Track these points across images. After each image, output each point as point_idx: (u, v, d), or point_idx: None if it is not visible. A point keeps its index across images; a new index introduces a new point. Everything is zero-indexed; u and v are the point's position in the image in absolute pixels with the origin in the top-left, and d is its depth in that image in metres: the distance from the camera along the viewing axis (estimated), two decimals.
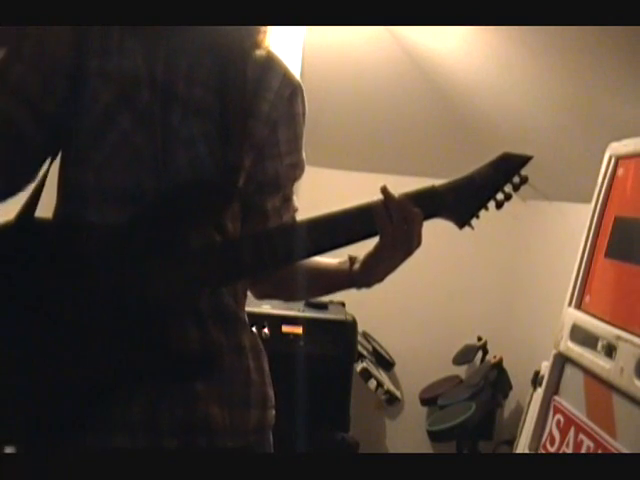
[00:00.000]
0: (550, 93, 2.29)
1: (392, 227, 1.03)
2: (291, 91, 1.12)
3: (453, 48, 2.52)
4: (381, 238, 1.05)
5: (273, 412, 1.16)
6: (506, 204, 1.10)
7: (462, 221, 1.08)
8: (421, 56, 2.84)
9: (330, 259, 1.15)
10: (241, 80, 1.08)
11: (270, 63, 1.12)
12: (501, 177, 1.08)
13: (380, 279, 1.09)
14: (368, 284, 1.11)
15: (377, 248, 1.06)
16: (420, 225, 1.04)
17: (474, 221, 1.09)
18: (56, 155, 1.11)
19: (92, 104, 1.04)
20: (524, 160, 1.08)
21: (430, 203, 1.06)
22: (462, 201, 1.07)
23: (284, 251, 1.03)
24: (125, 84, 1.04)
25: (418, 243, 1.05)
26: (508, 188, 1.08)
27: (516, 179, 1.08)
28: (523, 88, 2.44)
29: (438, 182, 1.08)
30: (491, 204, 1.09)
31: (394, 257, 1.06)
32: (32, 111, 1.06)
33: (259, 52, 1.11)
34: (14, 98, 1.05)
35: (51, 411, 1.00)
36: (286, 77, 1.13)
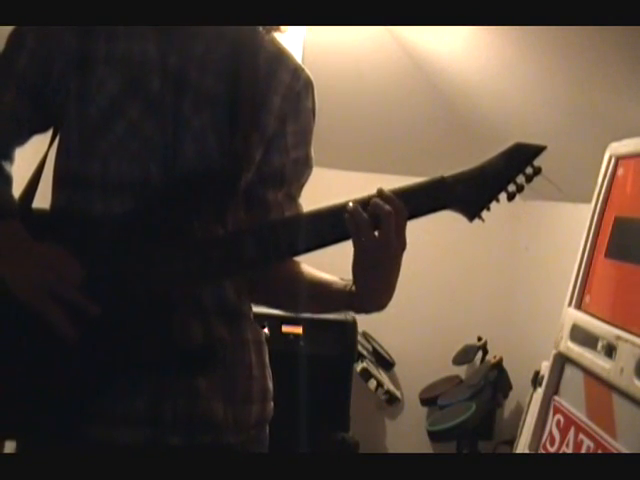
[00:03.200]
0: (550, 93, 2.29)
1: (360, 233, 0.97)
2: (302, 86, 1.12)
3: (454, 48, 2.52)
4: (353, 246, 0.99)
5: (272, 404, 1.16)
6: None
7: (472, 213, 1.03)
8: (421, 56, 2.84)
9: (334, 277, 1.10)
10: (253, 71, 1.07)
11: (281, 56, 1.11)
12: (513, 168, 1.02)
13: (375, 301, 1.02)
14: (363, 306, 1.04)
15: (353, 259, 1.00)
16: (395, 225, 0.97)
17: (485, 213, 1.03)
18: (46, 129, 1.11)
19: (98, 91, 1.03)
20: (538, 150, 1.02)
21: (438, 195, 1.01)
22: (472, 192, 1.02)
23: (287, 244, 1.01)
24: (135, 71, 1.03)
25: (401, 246, 0.98)
26: (520, 179, 1.03)
27: (529, 170, 1.02)
28: (523, 88, 2.44)
29: None
30: (502, 196, 1.03)
31: (375, 266, 0.98)
32: (34, 102, 1.07)
33: (271, 45, 1.11)
34: (18, 91, 1.06)
35: (54, 404, 1.00)
36: (297, 72, 1.12)
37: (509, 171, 1.03)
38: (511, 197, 1.03)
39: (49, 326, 0.97)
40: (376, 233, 0.98)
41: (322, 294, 1.09)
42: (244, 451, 1.10)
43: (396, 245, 0.98)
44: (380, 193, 0.98)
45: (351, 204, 0.98)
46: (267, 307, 1.20)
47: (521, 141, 1.03)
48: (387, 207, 0.97)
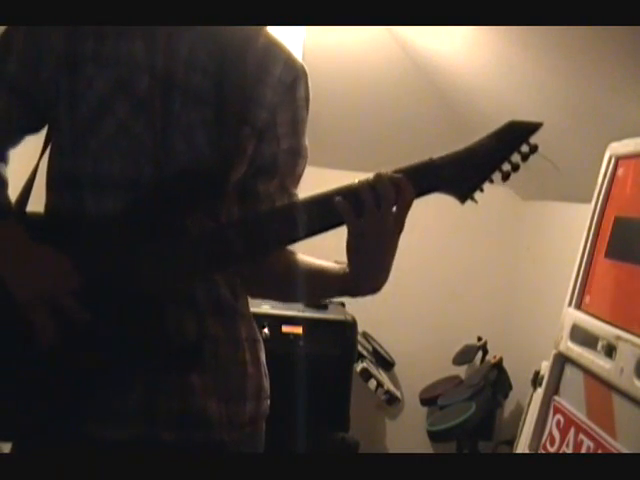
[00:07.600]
0: (550, 93, 2.29)
1: (354, 214, 0.96)
2: (293, 78, 1.11)
3: (454, 48, 2.52)
4: (347, 230, 0.98)
5: (268, 402, 1.16)
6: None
7: (463, 194, 1.00)
8: (421, 56, 2.84)
9: (329, 263, 1.10)
10: (241, 66, 1.07)
11: (272, 49, 1.10)
12: (507, 146, 0.99)
13: (370, 284, 1.02)
14: (358, 289, 1.03)
15: (347, 243, 0.99)
16: (392, 206, 0.96)
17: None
18: (38, 130, 1.12)
19: (87, 91, 1.03)
20: (533, 127, 0.99)
21: (428, 177, 0.99)
22: (463, 173, 0.99)
23: (273, 235, 1.00)
24: (122, 70, 1.03)
25: (398, 228, 0.97)
26: (516, 158, 0.99)
27: (525, 148, 0.99)
28: (523, 88, 2.44)
29: None
30: (497, 177, 1.00)
31: (368, 248, 0.97)
32: (25, 104, 1.07)
33: (261, 38, 1.10)
34: (8, 93, 1.07)
35: (47, 402, 1.00)
36: (288, 63, 1.11)
37: (502, 150, 0.99)
38: (506, 177, 1.00)
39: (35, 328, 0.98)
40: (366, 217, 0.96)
41: (318, 281, 1.09)
42: (238, 449, 1.11)
43: (393, 228, 0.97)
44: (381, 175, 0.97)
45: (357, 182, 0.96)
46: (264, 299, 1.20)
47: (515, 119, 1.00)
48: (388, 190, 0.95)
